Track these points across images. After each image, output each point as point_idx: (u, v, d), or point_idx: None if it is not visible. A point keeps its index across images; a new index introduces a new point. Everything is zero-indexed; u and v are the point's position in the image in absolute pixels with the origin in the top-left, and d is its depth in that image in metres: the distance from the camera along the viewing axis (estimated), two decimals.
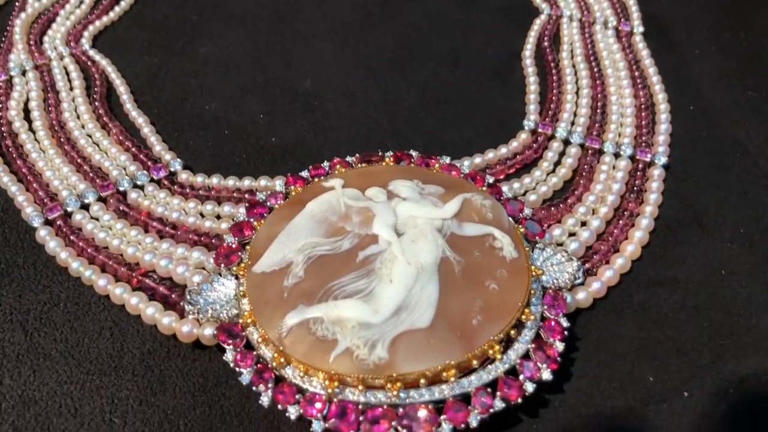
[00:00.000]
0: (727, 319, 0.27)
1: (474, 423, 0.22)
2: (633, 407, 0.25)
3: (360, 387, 0.22)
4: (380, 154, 0.29)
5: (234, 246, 0.26)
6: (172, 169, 0.31)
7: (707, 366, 0.26)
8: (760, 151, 0.33)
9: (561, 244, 0.28)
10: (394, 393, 0.22)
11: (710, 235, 0.30)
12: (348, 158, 0.29)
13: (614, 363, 0.26)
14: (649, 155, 0.31)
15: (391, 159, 0.29)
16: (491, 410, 0.23)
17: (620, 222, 0.29)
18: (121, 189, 0.30)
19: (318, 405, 0.22)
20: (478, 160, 0.31)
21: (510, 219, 0.27)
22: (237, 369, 0.23)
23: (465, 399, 0.23)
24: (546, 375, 0.24)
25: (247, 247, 0.26)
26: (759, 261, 0.29)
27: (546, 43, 0.36)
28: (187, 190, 0.30)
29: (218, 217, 0.29)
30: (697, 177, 0.32)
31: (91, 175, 0.30)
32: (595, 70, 0.35)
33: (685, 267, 0.29)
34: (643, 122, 0.32)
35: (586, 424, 0.24)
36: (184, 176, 0.30)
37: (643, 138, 0.32)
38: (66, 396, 0.25)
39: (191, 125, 0.33)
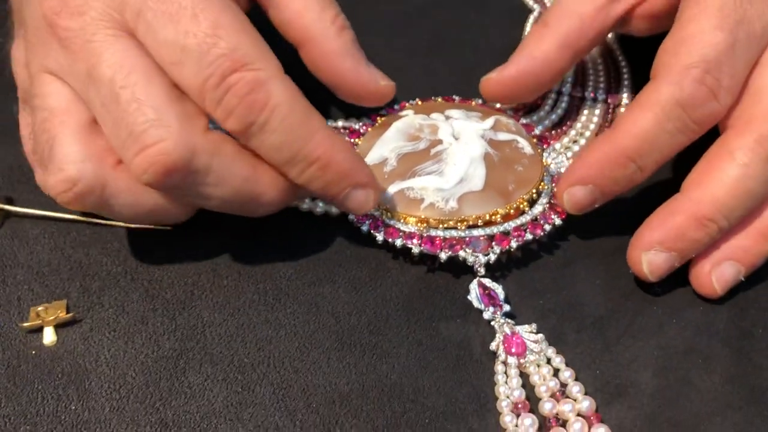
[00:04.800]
0: None
1: (514, 246, 0.35)
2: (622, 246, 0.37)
3: (440, 226, 0.35)
4: (432, 98, 0.43)
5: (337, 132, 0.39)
6: None
7: None
8: None
9: (561, 152, 0.41)
10: (462, 229, 0.35)
11: None
12: (410, 101, 0.42)
13: (597, 221, 0.38)
14: (617, 99, 0.45)
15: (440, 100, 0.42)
16: (524, 239, 0.36)
17: None
18: None
19: (415, 239, 0.35)
20: (497, 106, 0.44)
21: (527, 133, 0.40)
22: (358, 223, 0.36)
23: (507, 234, 0.36)
24: (558, 221, 0.37)
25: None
26: None
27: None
28: None
29: None
30: None
31: None
32: None
33: None
34: (611, 78, 0.46)
35: (584, 257, 0.37)
36: None
37: (612, 89, 0.45)
38: None
39: None
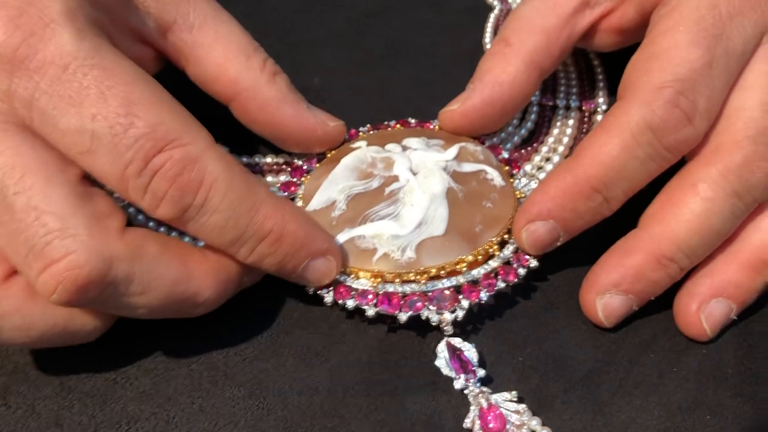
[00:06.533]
0: None
1: (484, 298, 0.30)
2: None
3: (397, 280, 0.30)
4: (386, 123, 0.37)
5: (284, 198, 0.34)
6: None
7: None
8: None
9: (533, 176, 0.36)
10: (423, 282, 0.30)
11: None
12: (361, 129, 0.37)
13: (577, 257, 0.34)
14: (592, 104, 0.40)
15: (395, 126, 0.37)
16: (495, 288, 0.31)
17: None
18: None
19: (369, 296, 0.30)
20: None
21: (496, 159, 0.35)
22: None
23: (475, 284, 0.31)
24: (533, 263, 0.32)
25: (299, 195, 0.34)
26: None
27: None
28: None
29: None
30: None
31: None
32: None
33: None
34: (585, 82, 0.41)
35: (567, 299, 0.33)
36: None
37: (586, 94, 0.40)
38: None
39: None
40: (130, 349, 0.31)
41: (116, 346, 0.30)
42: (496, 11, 0.46)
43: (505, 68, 0.34)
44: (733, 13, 0.30)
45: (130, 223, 0.32)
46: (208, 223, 0.27)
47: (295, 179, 0.35)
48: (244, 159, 0.37)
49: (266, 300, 0.32)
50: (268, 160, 0.37)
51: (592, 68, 0.42)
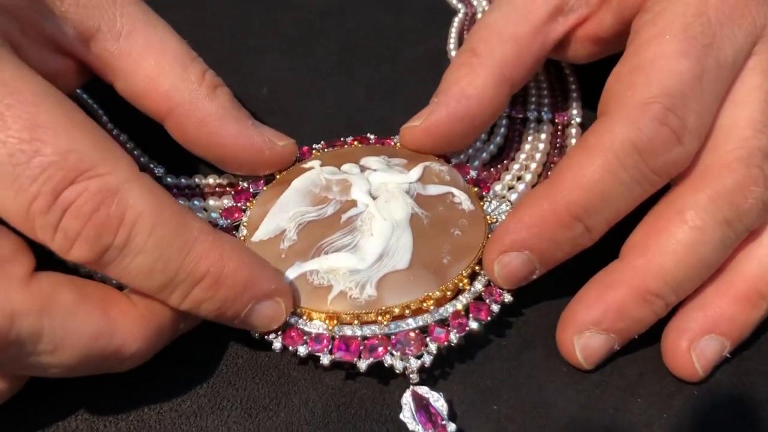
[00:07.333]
0: None
1: (455, 340, 0.27)
2: None
3: (356, 322, 0.27)
4: (342, 140, 0.34)
5: (226, 227, 0.30)
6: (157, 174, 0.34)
7: None
8: None
9: (503, 197, 0.33)
10: (385, 324, 0.27)
11: None
12: (314, 146, 0.33)
13: (555, 289, 0.31)
14: (566, 117, 0.37)
15: (352, 142, 0.34)
16: (467, 329, 0.27)
17: (548, 174, 0.34)
18: None
19: (324, 341, 0.27)
20: None
21: (464, 179, 0.32)
22: None
23: (444, 323, 0.28)
24: (507, 298, 0.29)
25: (243, 223, 0.30)
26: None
27: (466, 37, 0.42)
28: (174, 191, 0.33)
29: (205, 209, 0.33)
30: None
31: None
32: None
33: None
34: (557, 92, 0.38)
35: (544, 337, 0.29)
36: (168, 180, 0.34)
37: (559, 105, 0.37)
38: None
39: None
40: (46, 406, 0.26)
41: (29, 402, 0.26)
42: (460, 15, 0.43)
43: (472, 81, 0.31)
44: (723, 20, 0.28)
45: (51, 256, 0.28)
46: (132, 265, 0.23)
47: (239, 204, 0.31)
48: (183, 180, 0.34)
49: (205, 345, 0.28)
50: (210, 181, 0.33)
51: (564, 77, 0.39)
